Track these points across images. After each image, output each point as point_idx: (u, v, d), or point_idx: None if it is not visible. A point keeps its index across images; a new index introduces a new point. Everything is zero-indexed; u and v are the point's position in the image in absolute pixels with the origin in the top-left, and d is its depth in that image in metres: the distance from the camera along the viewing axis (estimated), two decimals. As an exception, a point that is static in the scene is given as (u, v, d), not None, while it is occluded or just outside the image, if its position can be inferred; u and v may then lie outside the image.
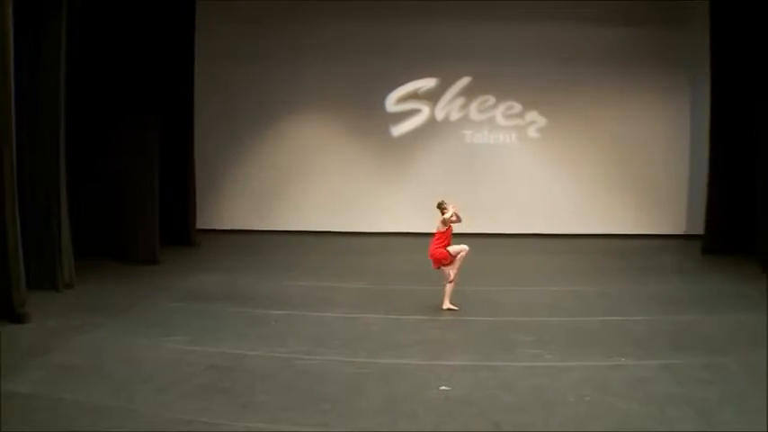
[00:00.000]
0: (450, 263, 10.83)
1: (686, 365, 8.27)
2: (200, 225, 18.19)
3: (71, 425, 6.45)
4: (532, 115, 20.04)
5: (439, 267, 10.97)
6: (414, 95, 20.05)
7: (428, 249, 10.96)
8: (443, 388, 7.54)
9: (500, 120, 20.05)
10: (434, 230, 10.98)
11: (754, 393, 7.32)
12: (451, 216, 10.83)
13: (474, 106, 20.02)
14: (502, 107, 20.03)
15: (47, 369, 7.89)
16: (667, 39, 19.28)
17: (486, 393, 7.41)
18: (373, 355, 8.71)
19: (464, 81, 19.96)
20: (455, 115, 20.07)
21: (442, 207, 10.96)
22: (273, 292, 12.29)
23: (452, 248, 10.83)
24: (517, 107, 20.03)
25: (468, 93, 20.01)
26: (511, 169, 19.89)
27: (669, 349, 8.98)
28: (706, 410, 6.88)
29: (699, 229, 17.63)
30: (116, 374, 7.83)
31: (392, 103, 20.08)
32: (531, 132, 20.07)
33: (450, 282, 10.87)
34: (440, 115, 20.10)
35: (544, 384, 7.72)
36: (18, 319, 9.73)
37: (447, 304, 10.89)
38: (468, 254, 10.88)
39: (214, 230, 19.09)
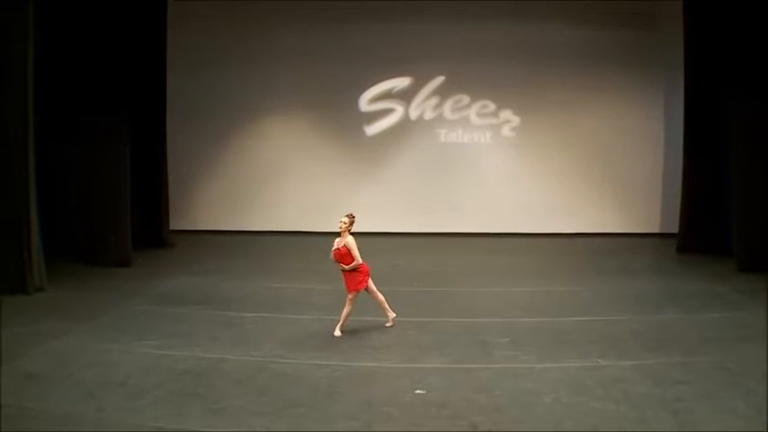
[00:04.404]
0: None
1: (660, 365, 8.32)
2: (173, 226, 18.02)
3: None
4: (506, 114, 19.93)
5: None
6: (387, 95, 19.92)
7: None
8: (419, 391, 7.50)
9: (474, 119, 19.95)
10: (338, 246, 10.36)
11: (725, 392, 7.39)
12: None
13: (448, 105, 19.91)
14: (476, 106, 19.92)
15: (14, 377, 7.71)
16: (643, 39, 19.19)
17: (461, 395, 7.39)
18: (348, 358, 8.68)
19: (438, 80, 19.84)
20: (429, 114, 19.95)
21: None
22: (248, 295, 12.20)
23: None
24: (491, 106, 19.92)
25: (443, 92, 19.89)
26: (485, 168, 19.79)
27: (643, 349, 9.02)
28: (680, 410, 6.94)
29: (673, 227, 17.63)
30: (87, 381, 7.72)
31: (366, 102, 19.94)
32: (506, 131, 19.97)
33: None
34: (414, 114, 19.97)
35: (520, 386, 7.71)
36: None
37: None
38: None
39: (188, 231, 18.86)
